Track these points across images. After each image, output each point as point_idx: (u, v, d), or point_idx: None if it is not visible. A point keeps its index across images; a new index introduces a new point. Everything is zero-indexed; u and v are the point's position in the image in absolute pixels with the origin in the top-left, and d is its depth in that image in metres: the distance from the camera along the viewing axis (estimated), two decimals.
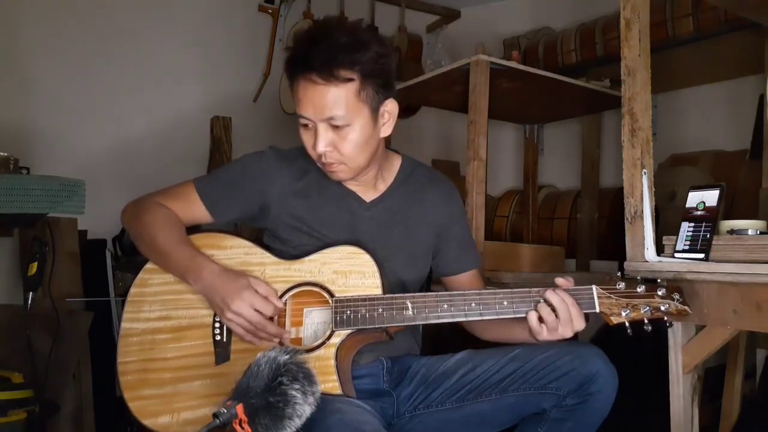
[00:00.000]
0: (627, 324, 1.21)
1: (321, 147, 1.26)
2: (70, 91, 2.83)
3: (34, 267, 2.01)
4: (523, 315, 1.23)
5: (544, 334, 1.21)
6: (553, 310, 1.20)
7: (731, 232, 1.32)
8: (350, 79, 1.23)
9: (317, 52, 1.21)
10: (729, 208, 2.23)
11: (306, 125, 1.29)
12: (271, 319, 1.25)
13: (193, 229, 1.39)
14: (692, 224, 1.35)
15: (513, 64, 2.26)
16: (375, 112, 1.29)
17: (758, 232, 1.29)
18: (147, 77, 3.02)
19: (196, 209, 1.38)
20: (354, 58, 1.22)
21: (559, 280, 1.25)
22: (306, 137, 1.30)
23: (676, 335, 1.39)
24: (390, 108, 1.32)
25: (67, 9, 2.85)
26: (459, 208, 1.51)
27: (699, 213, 1.35)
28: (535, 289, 1.24)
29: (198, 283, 1.27)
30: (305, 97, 1.25)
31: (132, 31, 3.00)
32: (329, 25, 1.28)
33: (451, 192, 1.50)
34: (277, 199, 1.37)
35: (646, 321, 1.22)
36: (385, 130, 1.34)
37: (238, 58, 3.32)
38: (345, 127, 1.25)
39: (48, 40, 2.78)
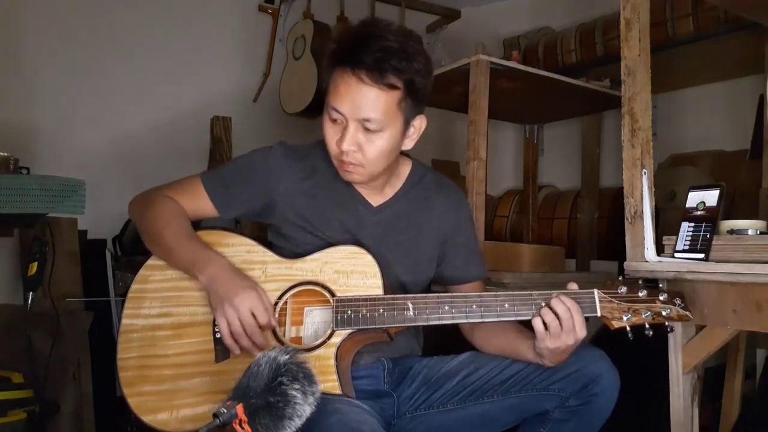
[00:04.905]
0: (628, 329, 1.21)
1: (346, 145, 1.24)
2: (70, 91, 2.83)
3: (34, 267, 2.01)
4: (524, 318, 1.22)
5: (547, 341, 1.20)
6: (557, 317, 1.19)
7: (731, 232, 1.32)
8: (396, 87, 1.21)
9: (370, 51, 1.19)
10: (729, 208, 2.23)
11: (335, 120, 1.26)
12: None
13: (195, 226, 1.36)
14: (692, 224, 1.35)
15: (513, 64, 2.26)
16: (407, 124, 1.28)
17: (758, 232, 1.29)
18: (147, 77, 3.02)
19: (202, 204, 1.36)
20: (403, 67, 1.20)
21: (571, 285, 1.24)
22: (331, 132, 1.27)
23: (676, 335, 1.38)
24: (418, 123, 1.32)
25: (68, 9, 2.85)
26: (467, 217, 1.49)
27: (699, 213, 1.34)
28: (537, 292, 1.23)
29: (203, 274, 1.24)
30: (346, 92, 1.21)
31: (132, 31, 3.00)
32: (380, 25, 1.24)
33: (459, 200, 1.48)
34: (284, 197, 1.35)
35: (647, 326, 1.21)
36: (408, 144, 1.33)
37: (238, 58, 3.32)
38: (376, 132, 1.23)
39: (48, 41, 2.78)
